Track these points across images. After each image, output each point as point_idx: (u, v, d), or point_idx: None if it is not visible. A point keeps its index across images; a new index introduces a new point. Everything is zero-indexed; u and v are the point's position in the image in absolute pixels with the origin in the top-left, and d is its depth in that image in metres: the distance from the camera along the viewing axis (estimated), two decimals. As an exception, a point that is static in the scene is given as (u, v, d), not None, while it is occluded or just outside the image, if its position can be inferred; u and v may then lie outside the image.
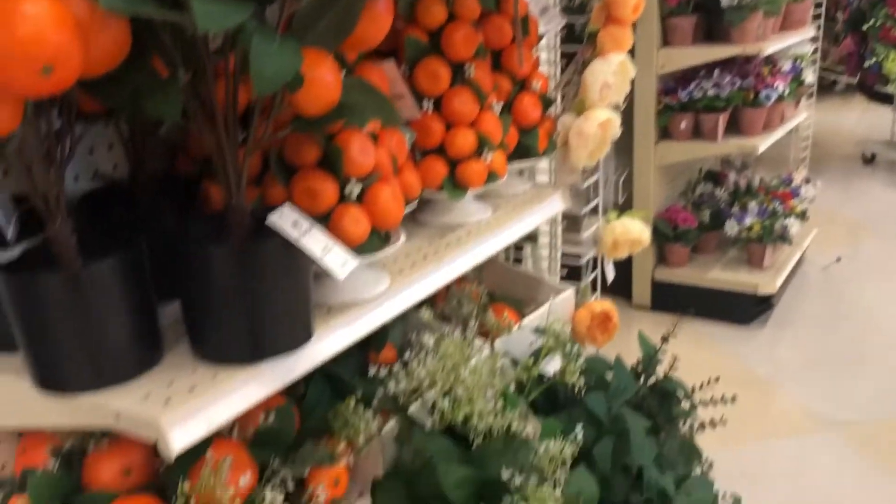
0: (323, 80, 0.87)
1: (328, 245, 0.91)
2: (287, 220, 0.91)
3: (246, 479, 0.97)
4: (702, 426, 1.53)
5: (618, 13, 1.46)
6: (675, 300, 3.50)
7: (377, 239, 1.07)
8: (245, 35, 0.75)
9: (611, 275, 1.84)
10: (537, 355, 1.36)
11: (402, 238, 1.13)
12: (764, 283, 3.32)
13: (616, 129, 1.51)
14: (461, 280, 1.59)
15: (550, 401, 1.40)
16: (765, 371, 3.03)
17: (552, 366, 1.30)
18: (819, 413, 2.71)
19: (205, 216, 0.99)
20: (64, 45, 0.68)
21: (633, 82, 3.32)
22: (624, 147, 3.52)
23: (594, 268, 2.67)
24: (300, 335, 0.97)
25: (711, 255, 3.59)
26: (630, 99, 3.38)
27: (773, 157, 4.15)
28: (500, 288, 1.73)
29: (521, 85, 1.49)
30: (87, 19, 0.72)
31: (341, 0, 0.87)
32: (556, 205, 1.56)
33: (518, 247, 2.08)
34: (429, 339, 1.14)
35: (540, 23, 1.52)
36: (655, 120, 3.36)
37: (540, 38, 1.55)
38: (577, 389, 1.32)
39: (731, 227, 3.42)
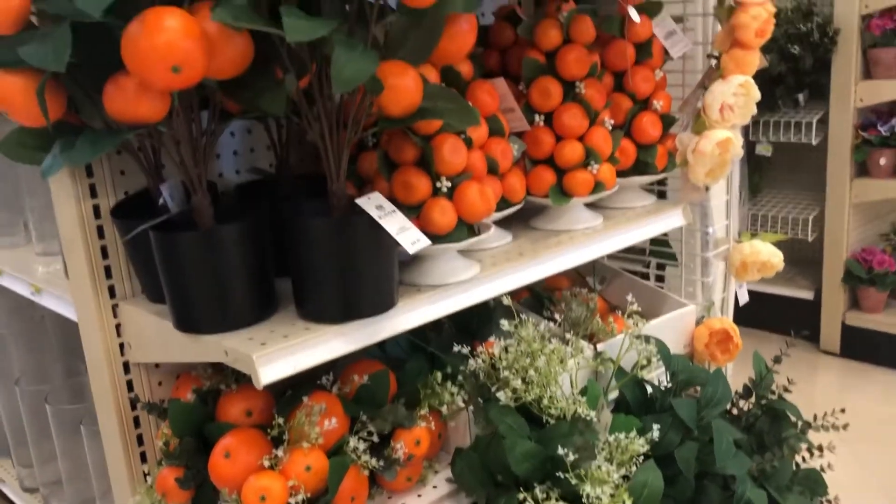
0: (405, 87, 1.03)
1: (405, 226, 1.07)
2: (372, 204, 1.08)
3: (331, 423, 1.15)
4: (809, 451, 1.50)
5: (742, 37, 1.49)
6: (867, 347, 3.28)
7: (465, 230, 1.21)
8: (329, 45, 0.93)
9: (743, 298, 1.83)
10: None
11: (493, 231, 1.26)
12: (971, 336, 3.03)
13: (737, 150, 1.54)
14: (582, 288, 1.68)
15: (645, 405, 1.45)
16: (962, 433, 2.76)
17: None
18: None
19: (317, 201, 1.18)
20: (191, 51, 0.90)
21: (826, 116, 3.21)
22: (816, 183, 3.37)
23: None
24: (383, 303, 1.13)
25: (912, 302, 3.33)
26: (824, 133, 3.25)
27: None
28: (625, 301, 1.78)
29: (643, 104, 1.57)
30: (214, 32, 0.94)
31: (424, 23, 1.04)
32: (674, 220, 1.61)
33: (662, 266, 2.11)
34: (504, 323, 1.26)
35: (666, 46, 1.59)
36: (851, 155, 3.19)
37: (667, 59, 1.62)
38: (670, 393, 1.37)
39: (933, 274, 3.15)
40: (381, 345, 1.45)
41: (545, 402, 1.22)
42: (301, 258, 1.09)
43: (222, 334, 1.10)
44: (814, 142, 3.25)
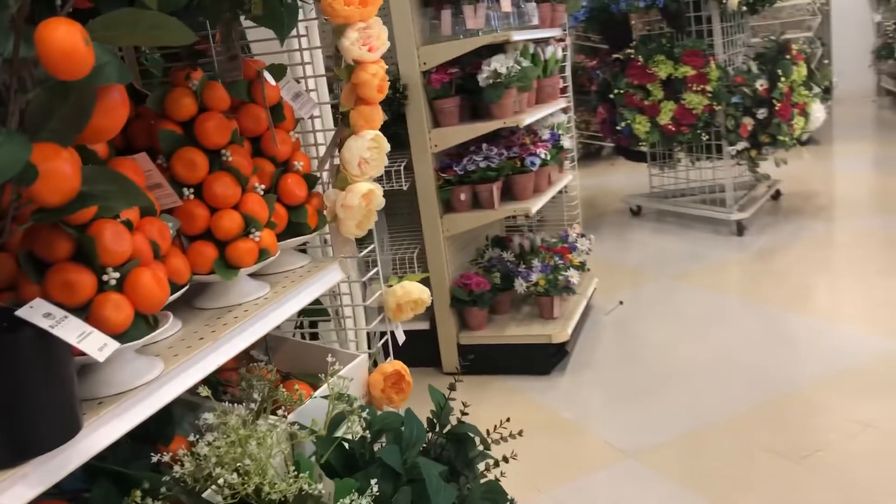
0: (59, 172, 0.89)
1: (85, 331, 0.92)
2: (38, 313, 0.90)
3: (21, 591, 0.92)
4: (496, 463, 1.62)
5: (365, 94, 1.57)
6: (481, 361, 3.65)
7: (144, 324, 1.08)
8: (-36, 131, 0.76)
9: (401, 337, 1.91)
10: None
11: (171, 320, 1.14)
12: (556, 332, 3.55)
13: (379, 199, 1.61)
14: (251, 363, 1.60)
15: (351, 464, 1.43)
16: (569, 414, 3.22)
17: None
18: (621, 444, 2.91)
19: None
20: None
21: (411, 162, 3.52)
22: (415, 223, 3.68)
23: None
24: (66, 430, 0.95)
25: (507, 313, 3.80)
26: (412, 178, 3.57)
27: (555, 218, 4.52)
28: (295, 365, 1.75)
29: (284, 166, 1.57)
30: None
31: (72, 97, 0.91)
32: (335, 276, 1.63)
33: (314, 324, 2.12)
34: (209, 417, 1.15)
35: (295, 107, 1.61)
36: (437, 195, 3.55)
37: (298, 120, 1.64)
38: (368, 444, 1.37)
39: (519, 285, 3.65)
40: (48, 480, 1.21)
41: (266, 489, 1.14)
42: (-51, 397, 0.87)
43: None
44: (404, 187, 3.55)
